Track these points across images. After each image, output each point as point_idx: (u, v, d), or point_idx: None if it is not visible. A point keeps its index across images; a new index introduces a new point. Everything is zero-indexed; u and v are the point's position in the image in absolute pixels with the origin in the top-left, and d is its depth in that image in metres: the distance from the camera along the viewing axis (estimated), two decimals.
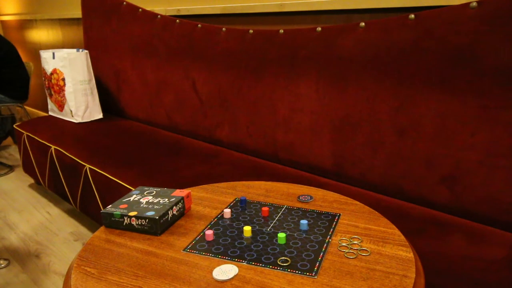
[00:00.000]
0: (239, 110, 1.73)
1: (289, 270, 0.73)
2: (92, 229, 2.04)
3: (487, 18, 1.08)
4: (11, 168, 2.94)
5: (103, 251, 0.81)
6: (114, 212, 0.89)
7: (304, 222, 0.87)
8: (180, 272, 0.73)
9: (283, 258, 0.76)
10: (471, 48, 1.11)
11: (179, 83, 1.99)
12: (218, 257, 0.77)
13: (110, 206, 0.92)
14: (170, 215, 0.90)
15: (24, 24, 3.83)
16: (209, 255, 0.78)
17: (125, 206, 0.92)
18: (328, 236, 0.84)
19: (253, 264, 0.75)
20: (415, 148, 1.25)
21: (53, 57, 2.25)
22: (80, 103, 2.28)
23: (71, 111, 2.29)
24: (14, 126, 2.43)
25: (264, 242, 0.82)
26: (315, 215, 0.93)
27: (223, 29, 1.75)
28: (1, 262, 1.78)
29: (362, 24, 1.32)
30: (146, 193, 0.98)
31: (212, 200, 1.02)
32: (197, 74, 1.89)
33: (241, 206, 0.98)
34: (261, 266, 0.74)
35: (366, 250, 0.78)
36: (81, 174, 1.77)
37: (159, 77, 2.09)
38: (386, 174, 1.32)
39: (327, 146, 1.46)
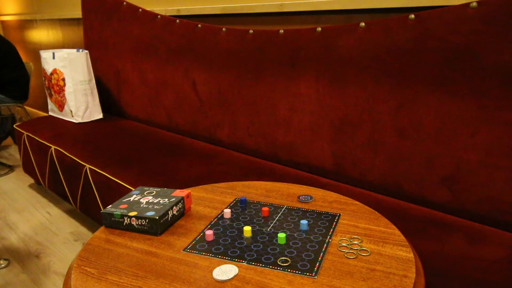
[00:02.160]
0: (239, 110, 1.73)
1: (289, 270, 0.73)
2: (92, 229, 2.04)
3: (487, 18, 1.08)
4: (11, 168, 2.94)
5: (103, 251, 0.81)
6: (114, 212, 0.89)
7: (304, 222, 0.87)
8: (180, 272, 0.73)
9: (283, 258, 0.76)
10: (471, 48, 1.11)
11: (179, 83, 1.99)
12: (218, 257, 0.77)
13: (110, 206, 0.92)
14: (170, 215, 0.90)
15: (24, 24, 3.83)
16: (209, 255, 0.78)
17: (125, 206, 0.92)
18: (328, 236, 0.84)
19: (253, 264, 0.75)
20: (415, 148, 1.25)
21: (53, 57, 2.25)
22: (80, 103, 2.28)
23: (71, 111, 2.29)
24: (14, 126, 2.43)
25: (264, 242, 0.82)
26: (315, 215, 0.93)
27: (223, 29, 1.75)
28: (1, 262, 1.78)
29: (362, 24, 1.32)
30: (146, 193, 0.98)
31: (212, 200, 1.02)
32: (197, 74, 1.89)
33: (241, 206, 0.98)
34: (261, 266, 0.74)
35: (366, 250, 0.78)
36: (81, 174, 1.77)
37: (159, 77, 2.09)
38: (386, 174, 1.32)
39: (327, 146, 1.46)
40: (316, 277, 0.71)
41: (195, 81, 1.90)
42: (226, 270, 0.73)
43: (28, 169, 2.35)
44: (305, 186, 1.09)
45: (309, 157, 1.52)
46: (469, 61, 1.12)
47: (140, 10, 2.16)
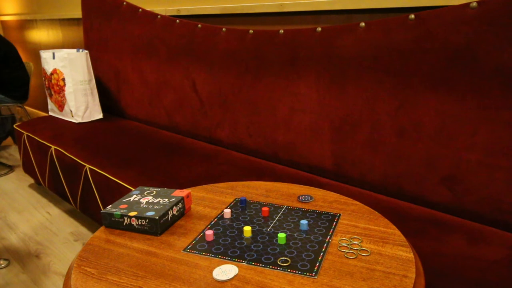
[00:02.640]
0: (239, 110, 1.73)
1: (289, 270, 0.73)
2: (92, 229, 2.04)
3: (487, 18, 1.08)
4: (11, 168, 2.94)
5: (103, 251, 0.81)
6: (114, 212, 0.89)
7: (304, 222, 0.87)
8: (180, 272, 0.73)
9: (283, 258, 0.76)
10: (471, 48, 1.12)
11: (179, 83, 1.99)
12: (218, 257, 0.77)
13: (110, 206, 0.92)
14: (170, 215, 0.90)
15: (24, 24, 3.83)
16: (209, 255, 0.78)
17: (125, 206, 0.92)
18: (328, 236, 0.84)
19: (253, 264, 0.75)
20: (415, 148, 1.25)
21: (53, 57, 2.25)
22: (80, 103, 2.28)
23: (71, 111, 2.29)
24: (14, 126, 2.43)
25: (264, 242, 0.82)
26: (315, 215, 0.93)
27: (223, 29, 1.75)
28: (1, 262, 1.78)
29: (362, 24, 1.32)
30: (146, 193, 0.98)
31: (212, 200, 1.02)
32: (197, 74, 1.89)
33: (241, 206, 0.98)
34: (261, 266, 0.74)
35: (366, 250, 0.78)
36: (81, 174, 1.77)
37: (159, 77, 2.09)
38: (386, 174, 1.32)
39: (327, 146, 1.46)
40: (316, 277, 0.71)
41: (195, 81, 1.90)
42: (226, 270, 0.73)
43: (28, 169, 2.35)
44: (305, 186, 1.09)
45: (309, 157, 1.52)
46: (469, 61, 1.12)
47: (140, 10, 2.16)
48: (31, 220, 2.16)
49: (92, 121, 2.32)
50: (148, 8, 2.33)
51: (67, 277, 0.75)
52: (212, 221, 0.92)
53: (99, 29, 2.44)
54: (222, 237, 0.84)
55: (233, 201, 1.01)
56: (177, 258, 0.78)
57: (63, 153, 1.89)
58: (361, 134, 1.36)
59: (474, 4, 1.10)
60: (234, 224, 0.90)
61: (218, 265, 0.75)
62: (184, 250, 0.80)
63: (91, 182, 1.70)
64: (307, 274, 0.72)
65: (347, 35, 1.36)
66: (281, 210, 0.95)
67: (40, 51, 2.36)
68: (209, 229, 0.88)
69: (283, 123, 1.58)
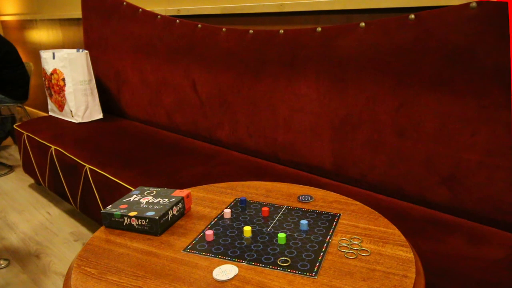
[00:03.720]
0: (239, 110, 1.73)
1: (289, 270, 0.73)
2: (92, 229, 2.04)
3: (487, 18, 1.08)
4: (11, 168, 2.94)
5: (103, 251, 0.81)
6: (114, 212, 0.89)
7: (304, 222, 0.87)
8: (180, 272, 0.73)
9: (283, 258, 0.76)
10: (471, 48, 1.11)
11: (179, 83, 1.99)
12: (218, 257, 0.77)
13: (110, 206, 0.92)
14: (170, 215, 0.90)
15: (24, 24, 3.83)
16: (209, 255, 0.78)
17: (125, 206, 0.92)
18: (328, 236, 0.84)
19: (253, 264, 0.75)
20: (415, 148, 1.25)
21: (53, 57, 2.25)
22: (80, 103, 2.28)
23: (71, 111, 2.29)
24: (14, 126, 2.43)
25: (264, 242, 0.82)
26: (315, 215, 0.93)
27: (223, 29, 1.75)
28: (1, 262, 1.78)
29: (362, 24, 1.32)
30: (146, 193, 0.98)
31: (212, 200, 1.02)
32: (197, 74, 1.89)
33: (241, 206, 0.98)
34: (261, 266, 0.74)
35: (366, 250, 0.78)
36: (81, 174, 1.77)
37: (159, 77, 2.09)
38: (386, 174, 1.32)
39: (327, 146, 1.46)
40: (316, 277, 0.71)
41: (195, 81, 1.90)
42: (226, 270, 0.73)
43: (28, 169, 2.35)
44: (305, 186, 1.09)
45: (309, 157, 1.52)
46: (469, 61, 1.12)
47: (140, 10, 2.16)
48: (31, 220, 2.16)
49: (92, 121, 2.32)
50: (148, 8, 2.33)
51: (67, 277, 0.75)
52: (212, 221, 0.92)
53: (99, 29, 2.44)
54: (222, 237, 0.84)
55: (233, 201, 1.01)
56: (177, 258, 0.78)
57: (63, 153, 1.89)
58: (361, 134, 1.36)
59: (474, 4, 1.10)
60: (234, 224, 0.90)
61: (218, 265, 0.75)
62: (184, 250, 0.80)
63: (91, 182, 1.70)
64: (307, 274, 0.72)
65: (347, 35, 1.36)
66: (281, 210, 0.95)
67: (40, 51, 2.36)
68: (209, 229, 0.88)
69: (283, 123, 1.58)
